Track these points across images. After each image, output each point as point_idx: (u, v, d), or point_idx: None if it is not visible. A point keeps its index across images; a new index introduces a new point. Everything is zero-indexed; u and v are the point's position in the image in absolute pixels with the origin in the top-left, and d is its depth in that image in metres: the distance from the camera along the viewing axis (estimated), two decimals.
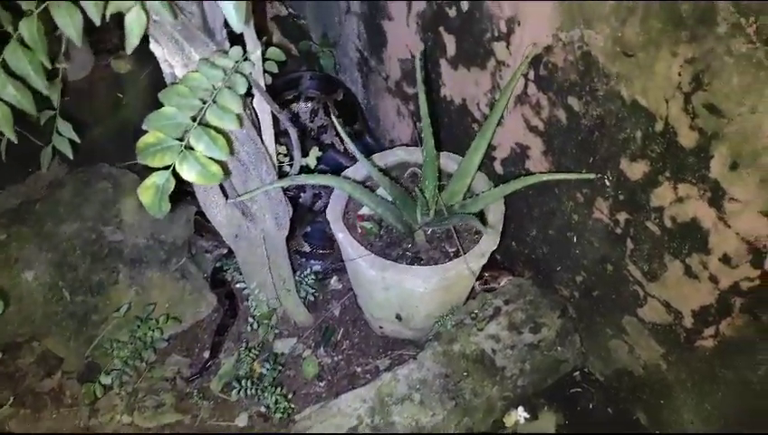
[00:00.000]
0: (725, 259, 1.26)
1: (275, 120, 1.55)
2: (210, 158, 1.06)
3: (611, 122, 1.35)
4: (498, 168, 1.79)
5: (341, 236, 1.63)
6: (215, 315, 2.01)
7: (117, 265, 1.92)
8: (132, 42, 1.01)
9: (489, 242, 1.61)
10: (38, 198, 2.01)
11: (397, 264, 1.57)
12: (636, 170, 1.36)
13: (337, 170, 1.90)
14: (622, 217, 1.46)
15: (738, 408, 1.43)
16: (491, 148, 1.75)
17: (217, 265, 2.06)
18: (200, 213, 2.13)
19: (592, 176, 1.45)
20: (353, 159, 2.02)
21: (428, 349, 1.73)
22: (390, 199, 1.67)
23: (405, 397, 1.64)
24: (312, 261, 1.96)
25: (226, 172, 1.30)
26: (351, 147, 1.54)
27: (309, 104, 2.30)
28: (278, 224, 1.61)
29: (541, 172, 1.59)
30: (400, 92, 2.06)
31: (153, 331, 1.81)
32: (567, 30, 1.34)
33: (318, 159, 1.71)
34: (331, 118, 2.25)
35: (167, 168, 1.04)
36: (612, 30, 1.24)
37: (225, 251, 2.12)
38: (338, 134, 2.19)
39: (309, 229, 1.98)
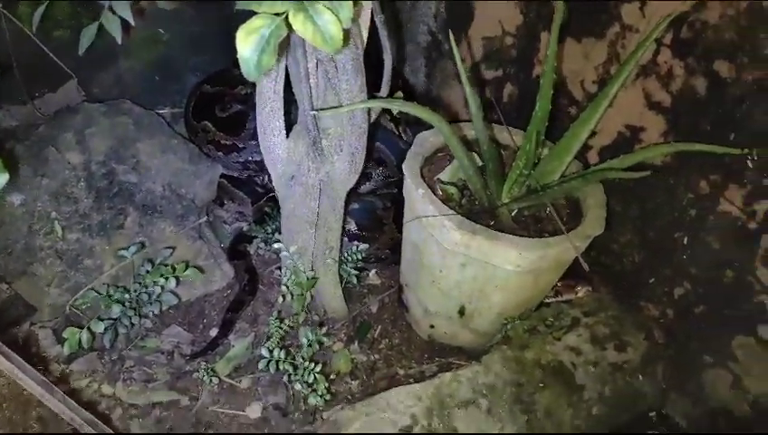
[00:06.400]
0: None
1: None
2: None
3: None
4: (594, 158, 1.58)
5: (421, 192, 1.36)
6: (228, 292, 1.67)
7: (126, 208, 1.59)
8: None
9: (594, 224, 1.36)
10: (42, 124, 1.68)
11: (489, 229, 1.31)
12: None
13: (399, 154, 1.68)
14: (762, 207, 1.25)
15: None
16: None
17: (244, 229, 1.75)
18: (226, 176, 1.84)
19: (737, 151, 1.23)
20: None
21: (496, 352, 1.44)
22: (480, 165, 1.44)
23: (469, 401, 1.33)
24: (357, 242, 1.66)
25: (346, 41, 1.04)
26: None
27: None
28: (352, 163, 1.33)
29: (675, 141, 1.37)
30: (476, 77, 1.86)
31: (167, 279, 1.44)
32: None
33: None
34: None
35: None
36: None
37: (246, 225, 1.81)
38: (392, 119, 1.97)
39: (357, 206, 1.70)
